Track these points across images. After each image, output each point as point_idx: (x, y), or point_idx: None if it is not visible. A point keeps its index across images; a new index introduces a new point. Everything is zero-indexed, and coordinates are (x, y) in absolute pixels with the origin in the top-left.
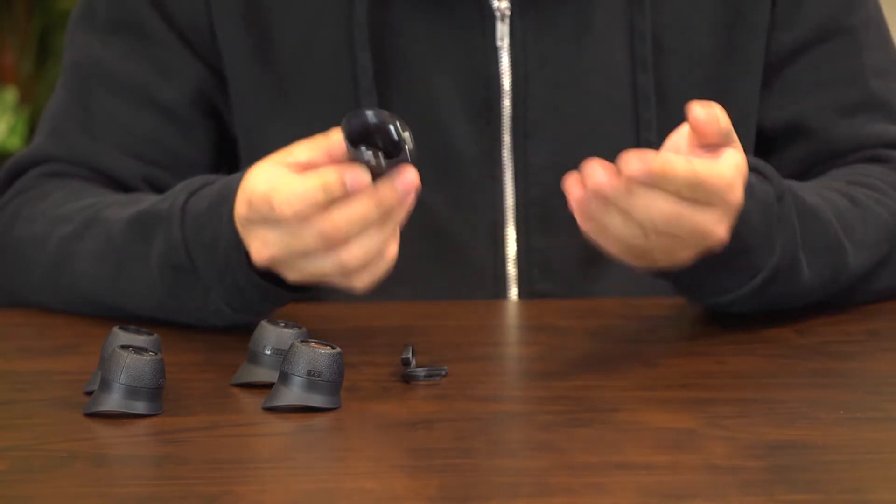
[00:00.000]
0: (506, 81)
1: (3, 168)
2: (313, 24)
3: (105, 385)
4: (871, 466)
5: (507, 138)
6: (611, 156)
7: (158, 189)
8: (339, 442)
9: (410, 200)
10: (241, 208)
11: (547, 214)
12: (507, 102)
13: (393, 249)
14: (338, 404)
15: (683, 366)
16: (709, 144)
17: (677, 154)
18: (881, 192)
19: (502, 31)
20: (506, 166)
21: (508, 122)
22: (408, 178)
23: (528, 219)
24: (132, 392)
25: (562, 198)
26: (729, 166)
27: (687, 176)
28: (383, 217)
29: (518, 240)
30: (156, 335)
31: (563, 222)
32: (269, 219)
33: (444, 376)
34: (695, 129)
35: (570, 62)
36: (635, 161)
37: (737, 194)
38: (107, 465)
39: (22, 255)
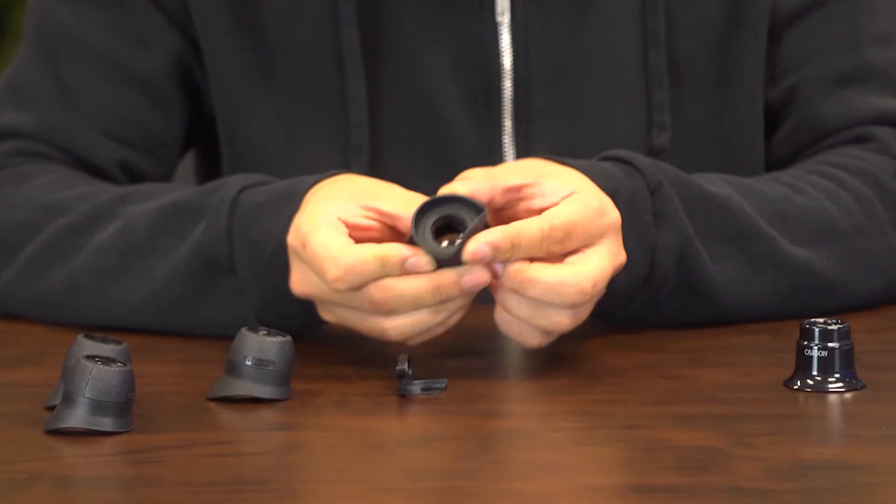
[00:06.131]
0: (506, 61)
1: None
2: None
3: (68, 399)
4: None
5: (508, 123)
6: (619, 141)
7: (131, 174)
8: (327, 462)
9: (473, 294)
10: (293, 240)
11: None
12: (507, 84)
13: (439, 330)
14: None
15: (707, 378)
16: (512, 193)
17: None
18: (840, 182)
19: (502, 6)
20: (507, 154)
21: (510, 106)
22: (476, 277)
23: None
24: (98, 407)
25: None
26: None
27: (543, 234)
28: (439, 304)
29: None
30: (124, 344)
31: None
32: (318, 274)
33: (443, 390)
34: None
35: (576, 39)
36: (475, 244)
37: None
38: (71, 488)
39: (1, 241)
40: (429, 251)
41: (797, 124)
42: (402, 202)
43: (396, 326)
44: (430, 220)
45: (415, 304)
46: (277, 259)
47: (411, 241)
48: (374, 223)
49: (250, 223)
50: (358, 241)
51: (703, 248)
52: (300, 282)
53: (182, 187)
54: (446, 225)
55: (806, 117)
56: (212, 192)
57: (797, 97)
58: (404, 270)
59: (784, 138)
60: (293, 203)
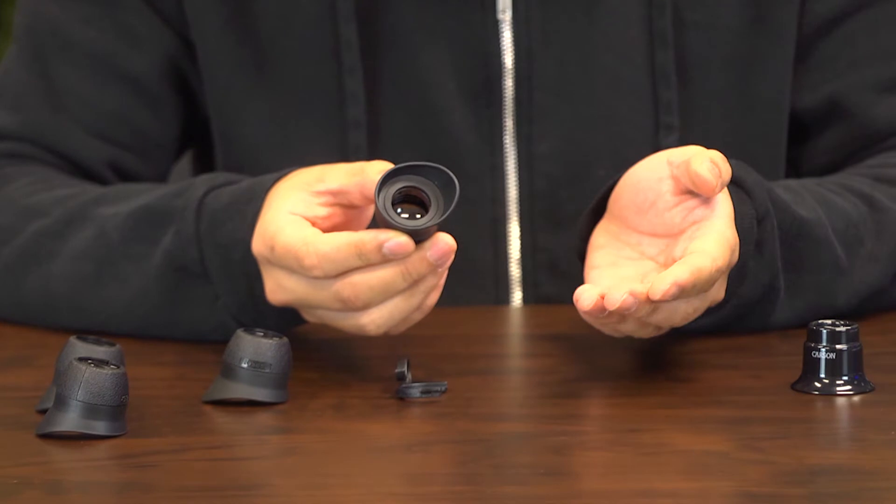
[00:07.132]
0: (507, 59)
1: None
2: None
3: (61, 402)
4: None
5: (509, 123)
6: (625, 143)
7: (123, 175)
8: (324, 467)
9: (445, 267)
10: (260, 247)
11: (554, 209)
12: (509, 83)
13: (417, 316)
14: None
15: (714, 380)
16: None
17: (656, 180)
18: None
19: (504, 3)
20: (508, 155)
21: (511, 105)
22: (441, 246)
23: (533, 214)
24: (91, 410)
25: (571, 190)
26: (722, 236)
27: (711, 275)
28: (411, 287)
29: (522, 237)
30: (118, 346)
31: (572, 218)
32: (292, 270)
33: (443, 393)
34: (693, 184)
35: (580, 37)
36: (663, 284)
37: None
38: (62, 493)
39: None
40: (398, 226)
41: (845, 132)
42: (345, 174)
43: (374, 320)
44: (391, 192)
45: (386, 293)
46: (248, 261)
47: (374, 222)
48: (331, 209)
49: (217, 227)
50: (325, 231)
51: (783, 280)
52: (273, 290)
53: (155, 188)
54: (404, 195)
55: (855, 125)
56: (179, 194)
57: (843, 104)
58: (384, 256)
59: (831, 146)
60: (255, 203)
